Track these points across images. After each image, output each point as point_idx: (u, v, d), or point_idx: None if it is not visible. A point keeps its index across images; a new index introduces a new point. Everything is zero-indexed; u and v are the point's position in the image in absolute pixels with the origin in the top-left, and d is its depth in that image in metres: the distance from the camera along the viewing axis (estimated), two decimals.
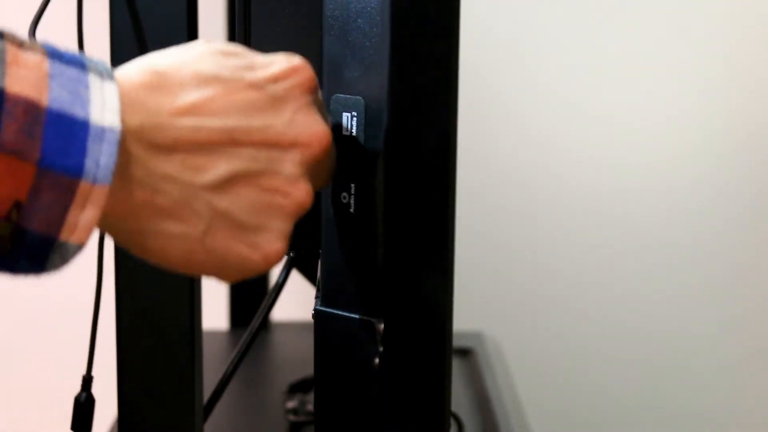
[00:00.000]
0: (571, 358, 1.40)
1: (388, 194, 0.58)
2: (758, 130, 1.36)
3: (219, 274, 0.52)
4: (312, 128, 0.52)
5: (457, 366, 1.10)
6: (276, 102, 0.51)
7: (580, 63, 1.36)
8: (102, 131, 0.45)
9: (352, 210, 0.60)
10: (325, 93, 0.60)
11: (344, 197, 0.60)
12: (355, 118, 0.59)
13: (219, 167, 0.49)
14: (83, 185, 0.44)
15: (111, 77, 0.46)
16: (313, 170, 0.53)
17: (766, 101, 1.36)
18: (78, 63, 0.46)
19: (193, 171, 0.49)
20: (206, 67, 0.50)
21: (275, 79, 0.52)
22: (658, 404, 1.41)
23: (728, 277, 1.39)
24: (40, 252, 0.45)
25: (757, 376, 1.41)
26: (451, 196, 0.60)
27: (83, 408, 0.69)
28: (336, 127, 0.60)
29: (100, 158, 0.45)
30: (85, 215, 0.45)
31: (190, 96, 0.49)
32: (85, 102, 0.45)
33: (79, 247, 0.46)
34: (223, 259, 0.51)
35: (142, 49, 0.60)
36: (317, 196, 0.62)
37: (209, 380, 0.73)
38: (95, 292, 0.69)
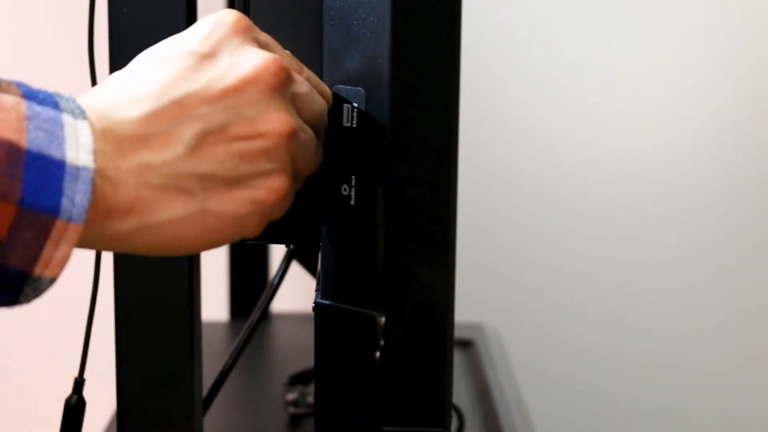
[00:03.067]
0: (572, 351, 1.40)
1: (389, 186, 0.58)
2: (759, 126, 1.36)
3: (239, 232, 0.53)
4: (251, 63, 0.52)
5: (457, 358, 1.10)
6: (208, 57, 0.52)
7: (580, 57, 1.35)
8: (77, 170, 0.46)
9: (352, 202, 0.60)
10: (326, 84, 0.60)
11: (345, 189, 0.60)
12: (356, 110, 0.59)
13: (183, 135, 0.50)
14: (59, 224, 0.46)
15: (83, 115, 0.48)
16: (283, 96, 0.53)
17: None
18: (51, 102, 0.47)
19: (163, 150, 0.50)
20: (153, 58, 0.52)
21: (202, 38, 0.53)
22: (659, 400, 1.41)
23: (732, 276, 1.39)
24: (16, 286, 0.47)
25: (760, 375, 1.40)
26: (453, 188, 0.60)
27: (74, 411, 0.69)
28: (336, 119, 0.60)
29: (76, 197, 0.46)
30: (58, 252, 0.46)
31: (139, 88, 0.51)
32: (60, 142, 0.46)
33: (52, 280, 0.47)
34: (233, 218, 0.52)
35: (142, 49, 0.60)
36: (317, 187, 0.62)
37: (209, 372, 0.73)
38: (90, 297, 0.69)
